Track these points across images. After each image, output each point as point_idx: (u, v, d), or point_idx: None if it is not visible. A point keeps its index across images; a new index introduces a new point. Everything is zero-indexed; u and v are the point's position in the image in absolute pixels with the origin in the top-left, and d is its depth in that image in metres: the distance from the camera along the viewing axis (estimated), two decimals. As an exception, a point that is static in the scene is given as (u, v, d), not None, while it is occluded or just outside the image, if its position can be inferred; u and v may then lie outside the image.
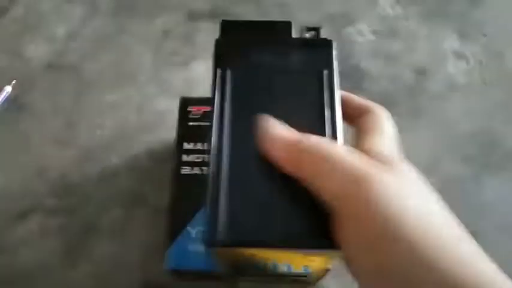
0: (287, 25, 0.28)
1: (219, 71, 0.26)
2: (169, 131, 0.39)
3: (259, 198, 0.23)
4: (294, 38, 0.28)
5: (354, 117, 0.27)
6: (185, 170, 0.36)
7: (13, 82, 0.46)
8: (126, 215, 0.40)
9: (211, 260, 0.31)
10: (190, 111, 0.38)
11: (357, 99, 0.28)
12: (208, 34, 0.49)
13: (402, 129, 0.43)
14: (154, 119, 0.45)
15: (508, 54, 0.47)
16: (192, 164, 0.37)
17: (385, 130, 0.26)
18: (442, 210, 0.21)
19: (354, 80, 0.46)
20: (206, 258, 0.33)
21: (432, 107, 0.45)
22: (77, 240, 0.39)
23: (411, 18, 0.50)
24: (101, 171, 0.42)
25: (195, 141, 0.38)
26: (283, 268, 0.32)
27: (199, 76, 0.47)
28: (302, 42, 0.27)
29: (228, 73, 0.26)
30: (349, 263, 0.22)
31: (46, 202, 0.41)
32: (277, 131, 0.23)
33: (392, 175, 0.21)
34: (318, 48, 0.27)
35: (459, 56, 0.48)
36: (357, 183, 0.20)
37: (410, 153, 0.42)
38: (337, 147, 0.23)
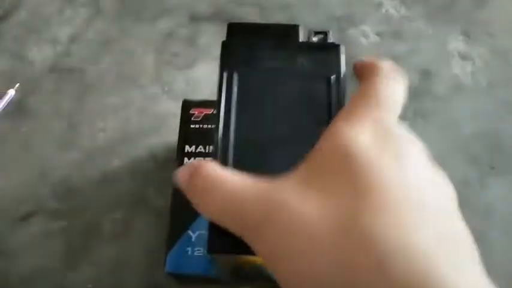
0: (294, 28, 0.28)
1: (225, 74, 0.26)
2: (171, 134, 0.38)
3: None
4: (301, 42, 0.27)
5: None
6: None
7: (16, 85, 0.46)
8: (127, 217, 0.40)
9: (213, 265, 0.31)
10: (192, 114, 0.38)
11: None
12: (211, 36, 0.49)
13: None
14: (156, 121, 0.44)
15: (514, 55, 0.47)
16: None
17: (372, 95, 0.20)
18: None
19: (358, 82, 0.46)
20: (206, 263, 0.32)
21: (437, 109, 0.44)
22: (78, 242, 0.39)
23: (416, 20, 0.50)
24: (103, 174, 0.42)
25: (197, 144, 0.37)
26: None
27: (202, 78, 0.47)
28: (309, 46, 0.27)
29: (235, 76, 0.26)
30: None
31: (48, 205, 0.41)
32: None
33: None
34: (325, 52, 0.27)
35: (464, 56, 0.47)
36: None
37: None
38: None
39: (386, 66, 0.22)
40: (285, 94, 0.25)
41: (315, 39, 0.27)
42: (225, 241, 0.21)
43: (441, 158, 0.41)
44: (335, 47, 0.27)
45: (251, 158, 0.23)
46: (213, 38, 0.49)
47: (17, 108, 0.46)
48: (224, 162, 0.23)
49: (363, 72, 0.22)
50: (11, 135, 0.44)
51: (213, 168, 0.20)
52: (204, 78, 0.47)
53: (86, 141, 0.44)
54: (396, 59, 0.47)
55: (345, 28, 0.50)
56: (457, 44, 0.48)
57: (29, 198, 0.41)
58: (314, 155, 0.19)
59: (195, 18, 0.51)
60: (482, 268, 0.16)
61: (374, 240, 0.15)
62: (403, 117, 0.45)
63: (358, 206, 0.16)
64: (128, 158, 0.43)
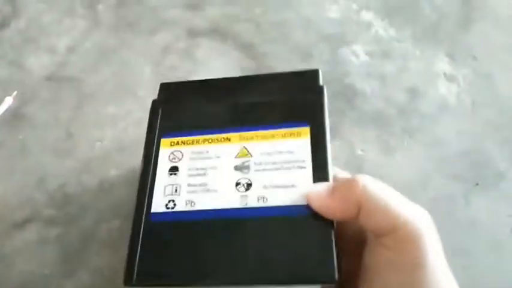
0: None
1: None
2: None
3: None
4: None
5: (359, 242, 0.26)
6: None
7: (14, 93, 0.47)
8: (124, 226, 0.41)
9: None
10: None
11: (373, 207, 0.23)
12: (208, 51, 0.51)
13: (394, 149, 0.45)
14: (153, 132, 0.45)
15: (497, 76, 0.49)
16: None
17: (429, 262, 0.21)
18: None
19: (348, 99, 0.48)
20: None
21: (424, 127, 0.46)
22: (74, 250, 0.40)
23: (404, 41, 0.52)
24: (100, 183, 0.43)
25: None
26: None
27: (198, 91, 0.48)
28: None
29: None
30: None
31: (44, 212, 0.41)
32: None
33: None
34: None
35: (450, 77, 0.49)
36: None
37: (402, 172, 0.43)
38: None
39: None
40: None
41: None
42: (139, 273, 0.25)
43: (427, 174, 0.43)
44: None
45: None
46: (210, 52, 0.50)
47: (14, 116, 0.46)
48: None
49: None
50: (8, 142, 0.44)
51: None
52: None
53: (83, 150, 0.44)
54: (385, 78, 0.49)
55: (336, 47, 0.52)
56: (443, 65, 0.50)
57: (25, 205, 0.41)
58: None
59: (192, 33, 0.52)
60: None
61: None
62: (390, 134, 0.47)
63: None
64: (125, 167, 0.44)
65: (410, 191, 0.26)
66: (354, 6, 0.54)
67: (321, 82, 0.31)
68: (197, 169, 0.28)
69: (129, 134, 0.45)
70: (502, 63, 0.50)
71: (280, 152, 0.27)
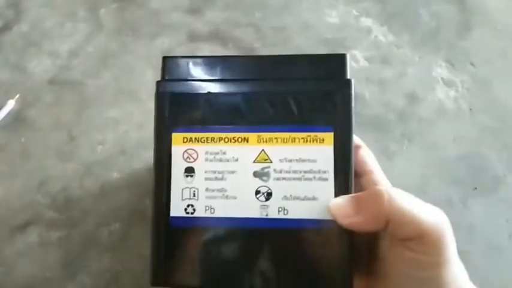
0: None
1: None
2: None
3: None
4: None
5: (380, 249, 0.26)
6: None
7: (16, 96, 0.47)
8: (125, 229, 0.41)
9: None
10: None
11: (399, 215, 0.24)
12: (208, 55, 0.51)
13: (393, 153, 0.45)
14: (154, 136, 0.46)
15: (494, 82, 0.50)
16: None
17: (450, 260, 0.24)
18: None
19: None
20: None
21: (423, 131, 0.47)
22: (76, 253, 0.40)
23: (403, 46, 0.53)
24: (102, 186, 0.43)
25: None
26: None
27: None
28: None
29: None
30: None
31: (46, 215, 0.41)
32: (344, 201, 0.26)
33: None
34: None
35: (448, 83, 0.50)
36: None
37: (401, 176, 0.44)
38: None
39: None
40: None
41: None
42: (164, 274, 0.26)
43: (426, 178, 0.44)
44: None
45: None
46: (211, 56, 0.51)
47: (16, 119, 0.46)
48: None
49: None
50: (10, 145, 0.45)
51: None
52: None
53: (85, 153, 0.45)
54: (384, 83, 0.50)
55: (335, 52, 0.52)
56: (441, 70, 0.51)
57: (27, 207, 0.42)
58: None
59: (192, 37, 0.52)
60: None
61: None
62: (389, 139, 0.47)
63: None
64: (126, 170, 0.44)
65: (409, 196, 0.26)
66: (354, 11, 0.54)
67: (348, 72, 0.27)
68: (214, 172, 0.27)
69: (130, 138, 0.46)
70: (500, 69, 0.50)
71: (302, 160, 0.27)
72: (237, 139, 0.27)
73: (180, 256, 0.26)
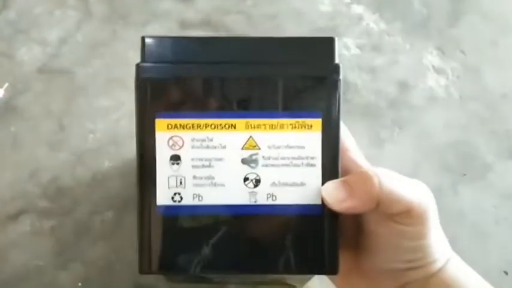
0: None
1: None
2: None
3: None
4: None
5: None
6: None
7: (5, 85, 0.47)
8: (117, 217, 0.41)
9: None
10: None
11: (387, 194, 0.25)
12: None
13: (384, 140, 0.45)
14: (146, 124, 0.46)
15: (485, 70, 0.50)
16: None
17: (433, 229, 0.26)
18: None
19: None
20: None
21: (413, 118, 0.47)
22: (68, 242, 0.40)
23: (394, 34, 0.53)
24: (93, 174, 0.43)
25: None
26: None
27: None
28: None
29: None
30: None
31: (38, 204, 0.41)
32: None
33: None
34: None
35: (438, 70, 0.50)
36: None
37: (392, 162, 0.44)
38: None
39: None
40: None
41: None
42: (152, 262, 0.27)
43: (416, 165, 0.44)
44: None
45: None
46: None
47: (5, 108, 0.46)
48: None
49: None
50: (0, 135, 0.44)
51: None
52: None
53: (76, 142, 0.44)
54: (375, 71, 0.50)
55: (327, 38, 0.52)
56: (432, 58, 0.51)
57: (19, 197, 0.41)
58: None
59: (184, 25, 0.52)
60: None
61: None
62: (381, 126, 0.48)
63: None
64: (118, 159, 0.44)
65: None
66: (345, -1, 0.54)
67: (336, 57, 0.27)
68: (201, 160, 0.27)
69: (121, 126, 0.45)
70: (490, 57, 0.51)
71: (290, 147, 0.26)
72: (224, 125, 0.26)
73: (169, 244, 0.26)
